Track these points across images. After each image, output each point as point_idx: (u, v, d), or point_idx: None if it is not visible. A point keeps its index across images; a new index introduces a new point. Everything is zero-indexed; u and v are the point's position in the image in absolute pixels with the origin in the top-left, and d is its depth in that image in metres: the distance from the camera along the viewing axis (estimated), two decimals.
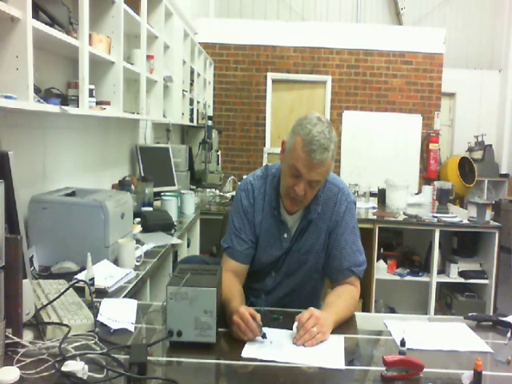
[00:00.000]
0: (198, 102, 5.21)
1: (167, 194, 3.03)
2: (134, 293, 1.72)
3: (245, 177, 1.85)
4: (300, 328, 1.33)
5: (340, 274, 1.67)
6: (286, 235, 1.70)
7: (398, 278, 3.81)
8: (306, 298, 1.78)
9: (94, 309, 1.37)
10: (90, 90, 2.10)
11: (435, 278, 3.71)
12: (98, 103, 2.26)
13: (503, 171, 7.72)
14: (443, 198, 4.34)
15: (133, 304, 1.50)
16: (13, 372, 1.04)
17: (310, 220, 1.67)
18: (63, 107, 1.86)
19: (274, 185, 1.70)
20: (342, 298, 1.56)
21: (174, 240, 2.45)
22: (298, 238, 1.70)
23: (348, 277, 1.66)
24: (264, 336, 1.30)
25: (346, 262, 1.65)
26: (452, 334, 1.43)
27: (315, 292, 1.84)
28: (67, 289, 1.45)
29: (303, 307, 1.49)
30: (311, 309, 1.38)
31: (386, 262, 3.86)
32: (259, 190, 1.72)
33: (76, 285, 1.49)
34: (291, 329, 1.37)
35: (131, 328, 1.34)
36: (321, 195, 1.67)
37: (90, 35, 2.06)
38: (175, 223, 2.68)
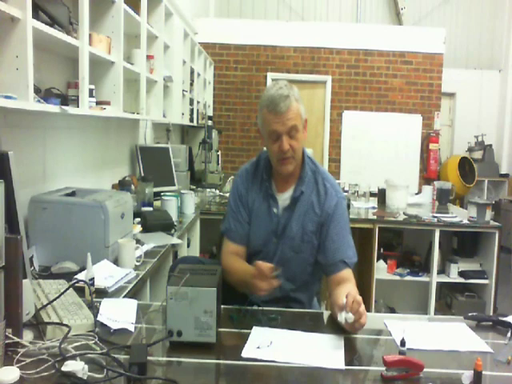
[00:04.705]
0: (198, 102, 5.21)
1: (167, 194, 3.03)
2: (134, 293, 1.72)
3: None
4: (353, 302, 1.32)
5: (334, 266, 1.70)
6: (275, 210, 1.75)
7: (398, 277, 3.81)
8: (300, 294, 1.80)
9: (94, 309, 1.37)
10: (90, 90, 2.10)
11: (435, 278, 3.71)
12: (98, 103, 2.25)
13: (503, 171, 7.72)
14: (443, 198, 4.34)
15: (133, 304, 1.50)
16: (13, 372, 1.04)
17: (297, 197, 1.73)
18: (63, 107, 1.86)
19: (266, 165, 1.79)
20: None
21: (174, 240, 2.45)
22: (288, 217, 1.74)
23: (342, 269, 1.69)
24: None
25: (338, 254, 1.69)
26: (452, 334, 1.43)
27: (310, 289, 1.85)
28: (67, 289, 1.45)
29: (298, 304, 1.63)
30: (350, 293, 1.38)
31: (385, 262, 3.86)
32: (253, 174, 1.82)
33: (76, 285, 1.49)
34: (290, 329, 1.38)
35: (131, 328, 1.34)
36: (305, 176, 1.75)
37: (90, 35, 2.06)
38: (175, 223, 2.68)
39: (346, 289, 1.60)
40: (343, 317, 1.33)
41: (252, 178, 1.81)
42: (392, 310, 4.03)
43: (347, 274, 1.68)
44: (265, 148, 1.79)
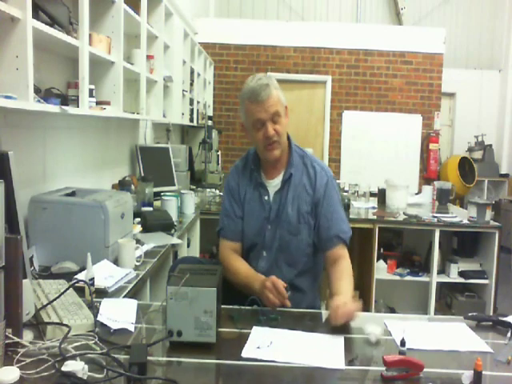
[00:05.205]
0: (198, 102, 5.21)
1: (167, 194, 3.03)
2: (134, 293, 1.72)
3: None
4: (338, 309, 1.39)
5: (329, 241, 1.77)
6: (266, 197, 1.82)
7: (398, 277, 3.81)
8: (301, 280, 1.82)
9: (94, 309, 1.37)
10: (90, 90, 2.10)
11: (435, 278, 3.71)
12: (98, 103, 2.25)
13: (503, 171, 7.72)
14: (443, 198, 4.34)
15: (133, 304, 1.50)
16: (13, 372, 1.04)
17: (286, 179, 1.79)
18: (63, 107, 1.85)
19: (254, 157, 1.87)
20: (344, 280, 1.66)
21: (174, 240, 2.45)
22: (280, 202, 1.79)
23: (336, 244, 1.76)
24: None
25: (332, 230, 1.77)
26: (452, 334, 1.43)
27: (311, 276, 1.87)
28: (67, 289, 1.45)
29: (300, 294, 1.73)
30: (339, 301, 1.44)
31: (386, 262, 3.86)
32: (243, 168, 1.89)
33: (76, 285, 1.49)
34: (291, 328, 1.38)
35: (131, 328, 1.35)
36: (293, 160, 1.81)
37: (90, 35, 2.06)
38: (175, 223, 2.68)
39: (341, 271, 1.70)
40: (373, 336, 1.35)
41: (242, 171, 1.89)
42: (392, 310, 4.03)
43: (342, 250, 1.77)
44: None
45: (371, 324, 1.38)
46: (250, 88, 1.73)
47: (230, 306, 1.54)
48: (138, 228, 2.50)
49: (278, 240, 1.80)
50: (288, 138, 1.83)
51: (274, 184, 1.83)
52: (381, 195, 4.31)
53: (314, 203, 1.79)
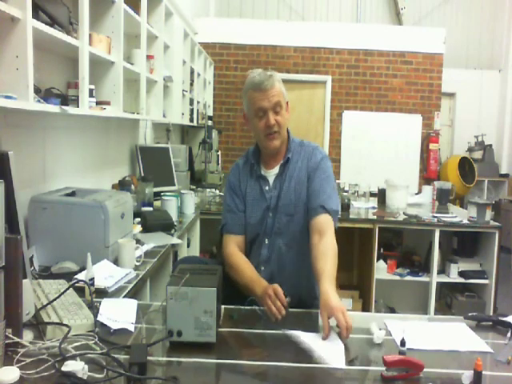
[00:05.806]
0: (198, 102, 5.21)
1: (167, 194, 3.03)
2: (134, 293, 1.72)
3: None
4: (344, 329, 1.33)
5: (313, 210, 1.75)
6: (267, 187, 1.86)
7: (398, 277, 3.81)
8: (302, 263, 1.82)
9: (94, 309, 1.37)
10: (90, 90, 2.10)
11: (435, 278, 3.71)
12: (98, 103, 2.25)
13: (503, 171, 7.72)
14: (443, 198, 4.34)
15: (133, 304, 1.50)
16: (13, 372, 1.04)
17: (284, 163, 1.83)
18: (63, 107, 1.85)
19: (254, 153, 1.91)
20: (329, 261, 1.59)
21: (174, 240, 2.45)
22: (280, 186, 1.82)
23: (320, 213, 1.73)
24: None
25: (318, 201, 1.76)
26: (452, 334, 1.43)
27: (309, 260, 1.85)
28: (67, 289, 1.45)
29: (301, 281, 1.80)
30: (333, 307, 1.38)
31: (386, 262, 3.86)
32: (244, 164, 1.93)
33: (76, 285, 1.49)
34: (290, 328, 1.38)
35: (131, 328, 1.34)
36: (292, 148, 1.86)
37: (90, 35, 2.06)
38: (175, 223, 2.68)
39: (324, 244, 1.63)
40: (379, 336, 1.34)
41: (242, 167, 1.93)
42: (392, 310, 4.03)
43: (326, 222, 1.72)
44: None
45: (375, 325, 1.37)
46: (253, 77, 1.78)
47: (230, 306, 1.54)
48: (138, 228, 2.50)
49: (277, 224, 1.83)
50: (287, 132, 1.88)
51: (273, 173, 1.87)
52: (381, 195, 4.31)
53: (308, 178, 1.82)
